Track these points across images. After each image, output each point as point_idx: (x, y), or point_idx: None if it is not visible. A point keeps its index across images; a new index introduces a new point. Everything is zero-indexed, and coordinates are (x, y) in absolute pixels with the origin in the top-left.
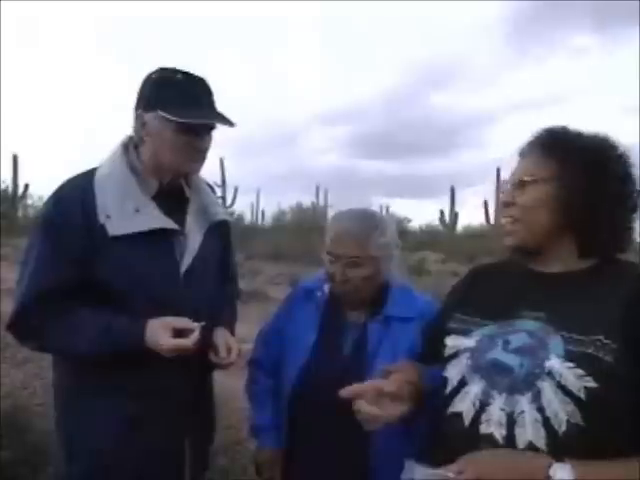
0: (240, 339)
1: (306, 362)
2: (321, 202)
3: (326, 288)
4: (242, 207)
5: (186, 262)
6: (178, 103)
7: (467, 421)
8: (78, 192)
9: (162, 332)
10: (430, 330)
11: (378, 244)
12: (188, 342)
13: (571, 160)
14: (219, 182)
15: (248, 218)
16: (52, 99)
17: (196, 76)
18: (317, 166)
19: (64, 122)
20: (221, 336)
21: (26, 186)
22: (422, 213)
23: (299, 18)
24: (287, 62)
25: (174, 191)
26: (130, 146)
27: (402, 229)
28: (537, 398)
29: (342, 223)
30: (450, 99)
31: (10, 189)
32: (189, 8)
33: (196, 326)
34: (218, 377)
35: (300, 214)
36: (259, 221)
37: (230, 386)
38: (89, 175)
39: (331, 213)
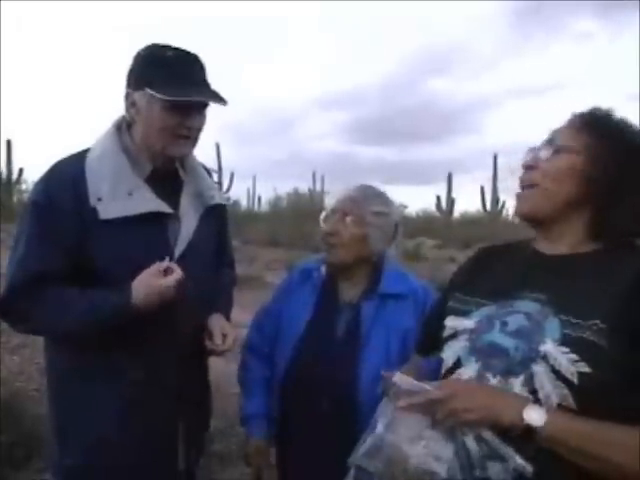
0: (236, 324)
1: (299, 342)
2: (318, 188)
3: (323, 269)
4: (238, 193)
5: (180, 247)
6: (167, 80)
7: None
8: (68, 175)
9: (155, 278)
10: (431, 315)
11: (374, 211)
12: (179, 273)
13: (606, 139)
14: (215, 167)
15: (244, 204)
16: (45, 82)
17: (188, 52)
18: (314, 152)
19: (58, 105)
20: (217, 322)
21: (20, 171)
22: (419, 199)
23: (301, 7)
24: (286, 48)
25: (169, 174)
26: (123, 127)
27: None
28: (529, 381)
29: (348, 186)
30: (449, 85)
31: (4, 175)
32: (185, 6)
33: (169, 263)
34: (213, 362)
35: (297, 200)
36: (255, 207)
37: (225, 371)
38: (80, 157)
39: (328, 199)
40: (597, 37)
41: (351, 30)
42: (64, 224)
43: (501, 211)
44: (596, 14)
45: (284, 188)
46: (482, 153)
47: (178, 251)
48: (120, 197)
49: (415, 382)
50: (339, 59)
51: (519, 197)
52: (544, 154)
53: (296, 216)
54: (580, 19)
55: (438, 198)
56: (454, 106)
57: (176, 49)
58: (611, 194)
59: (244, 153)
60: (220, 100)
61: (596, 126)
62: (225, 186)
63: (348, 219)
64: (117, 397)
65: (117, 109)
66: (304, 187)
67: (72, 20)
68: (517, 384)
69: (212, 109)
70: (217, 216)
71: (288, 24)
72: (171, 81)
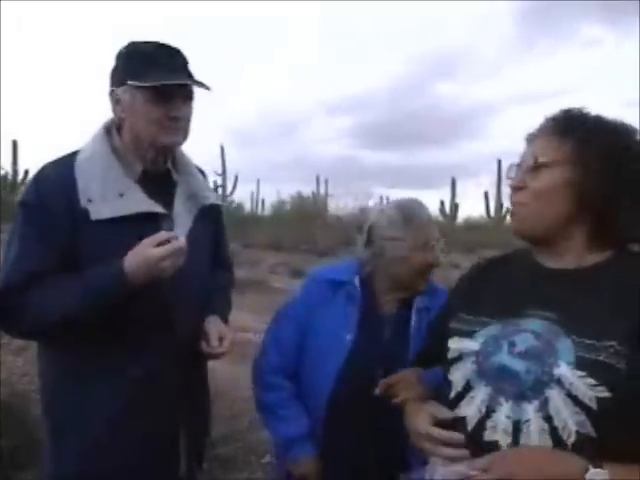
0: (239, 328)
1: (347, 359)
2: (322, 192)
3: (356, 280)
4: (242, 196)
5: None
6: (146, 70)
7: (470, 426)
8: (57, 175)
9: (149, 248)
10: (435, 329)
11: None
12: (181, 241)
13: (590, 142)
14: (219, 170)
15: (248, 207)
16: (51, 82)
17: (168, 45)
18: (318, 155)
19: (64, 106)
20: (213, 325)
21: (26, 172)
22: None
23: (301, 7)
24: (289, 51)
25: (161, 175)
26: (112, 128)
27: None
28: (544, 406)
29: (419, 211)
30: (455, 90)
31: (10, 175)
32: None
33: (170, 234)
34: (218, 365)
35: (300, 203)
36: (259, 210)
37: (230, 375)
38: (70, 158)
39: (331, 203)
40: (604, 42)
41: (356, 32)
42: (56, 224)
43: (505, 216)
44: (602, 19)
45: (288, 191)
46: (486, 158)
47: None
48: (111, 198)
49: (456, 469)
50: (344, 62)
51: (512, 216)
52: (528, 172)
53: (300, 220)
54: (587, 24)
55: (442, 203)
56: (459, 110)
57: (156, 42)
58: (606, 199)
59: (248, 156)
60: (202, 85)
61: (575, 131)
62: (229, 189)
63: (438, 244)
64: (115, 396)
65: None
66: (308, 191)
67: (74, 20)
68: (530, 410)
69: (216, 111)
70: (212, 217)
71: (288, 25)
72: (151, 70)
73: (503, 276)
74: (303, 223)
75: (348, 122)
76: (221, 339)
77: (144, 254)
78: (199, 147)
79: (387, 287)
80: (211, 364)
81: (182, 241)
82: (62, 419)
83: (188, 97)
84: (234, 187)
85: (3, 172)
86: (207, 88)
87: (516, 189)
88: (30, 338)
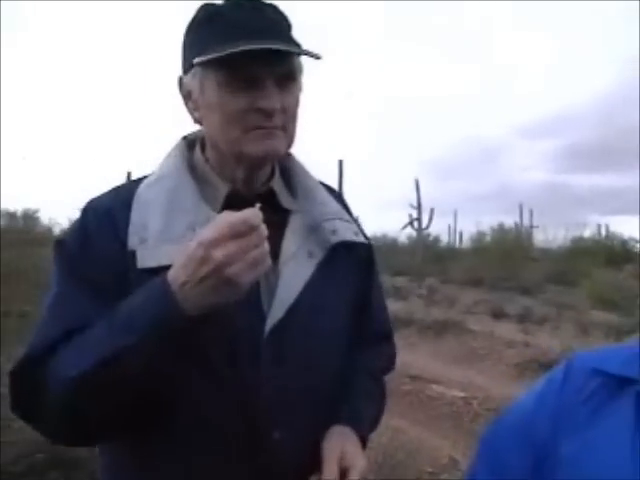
0: (427, 379)
1: None
2: (525, 222)
3: None
4: (439, 229)
5: (276, 313)
6: (217, 39)
7: None
8: (107, 207)
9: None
10: None
11: None
12: (254, 213)
13: None
14: (415, 204)
15: (445, 241)
16: (166, 113)
17: (254, 1)
18: (520, 184)
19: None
20: (335, 443)
21: None
22: None
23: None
24: (482, 71)
25: (260, 199)
26: (197, 141)
27: (627, 251)
28: None
29: None
30: None
31: None
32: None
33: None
34: (403, 426)
35: (502, 236)
36: (456, 243)
37: (417, 438)
38: (133, 184)
39: (537, 234)
40: None
41: (563, 46)
42: (99, 271)
43: None
44: None
45: (487, 223)
46: None
47: (273, 319)
48: (175, 236)
49: None
50: (547, 80)
51: None
52: None
53: (501, 253)
54: None
55: None
56: None
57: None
58: None
59: (444, 188)
60: (304, 52)
61: None
62: (425, 222)
63: None
64: None
65: None
66: (510, 222)
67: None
68: None
69: (410, 143)
70: (356, 262)
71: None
72: (221, 38)
73: None
74: (505, 257)
75: (551, 145)
76: (345, 471)
77: (189, 245)
78: (395, 182)
79: None
80: (394, 422)
81: (255, 213)
82: None
83: (288, 77)
84: (430, 220)
85: None
86: (316, 56)
87: None
88: (62, 436)
